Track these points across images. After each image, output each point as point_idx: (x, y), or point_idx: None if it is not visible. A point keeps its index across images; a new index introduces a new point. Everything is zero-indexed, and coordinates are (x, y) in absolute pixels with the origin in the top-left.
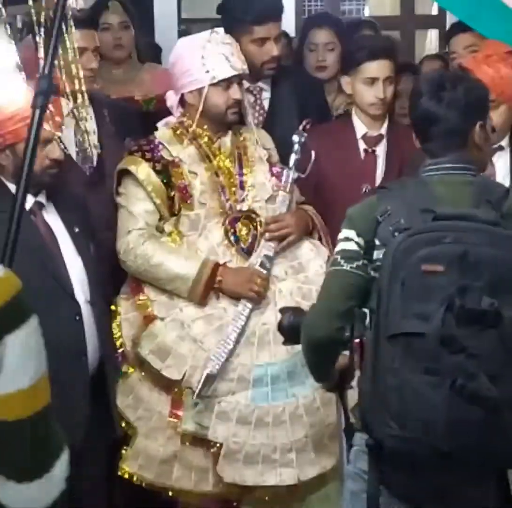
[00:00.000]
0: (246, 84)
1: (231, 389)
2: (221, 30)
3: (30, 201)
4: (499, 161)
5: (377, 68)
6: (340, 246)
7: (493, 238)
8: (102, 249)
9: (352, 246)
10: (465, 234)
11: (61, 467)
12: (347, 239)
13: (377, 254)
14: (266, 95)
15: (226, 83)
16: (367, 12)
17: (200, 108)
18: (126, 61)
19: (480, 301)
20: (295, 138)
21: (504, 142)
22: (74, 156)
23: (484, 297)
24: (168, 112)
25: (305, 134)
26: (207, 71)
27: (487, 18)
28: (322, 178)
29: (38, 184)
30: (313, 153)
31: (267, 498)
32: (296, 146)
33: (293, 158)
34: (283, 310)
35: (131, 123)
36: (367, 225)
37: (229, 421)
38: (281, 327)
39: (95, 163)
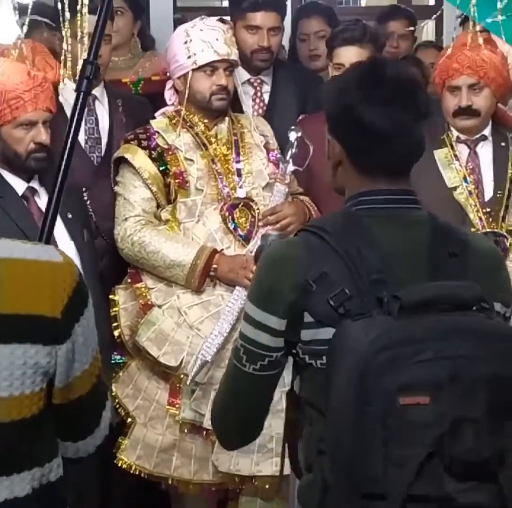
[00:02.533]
0: (246, 76)
1: None
2: (213, 18)
3: (22, 186)
4: (483, 151)
5: (346, 53)
6: (248, 331)
7: (487, 342)
8: (109, 237)
9: (264, 338)
10: (451, 342)
11: (106, 416)
12: (258, 326)
13: (309, 335)
14: (267, 88)
15: (211, 68)
16: (363, 2)
17: (186, 94)
18: (124, 48)
19: (479, 443)
20: (292, 134)
21: (486, 131)
22: (82, 144)
23: (482, 436)
24: (157, 94)
25: (301, 130)
26: (189, 56)
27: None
28: (312, 167)
29: (25, 169)
30: (311, 148)
31: (267, 486)
32: (293, 141)
33: (290, 153)
34: (264, 236)
35: (144, 115)
36: (291, 296)
37: None
38: (256, 252)
39: (103, 152)
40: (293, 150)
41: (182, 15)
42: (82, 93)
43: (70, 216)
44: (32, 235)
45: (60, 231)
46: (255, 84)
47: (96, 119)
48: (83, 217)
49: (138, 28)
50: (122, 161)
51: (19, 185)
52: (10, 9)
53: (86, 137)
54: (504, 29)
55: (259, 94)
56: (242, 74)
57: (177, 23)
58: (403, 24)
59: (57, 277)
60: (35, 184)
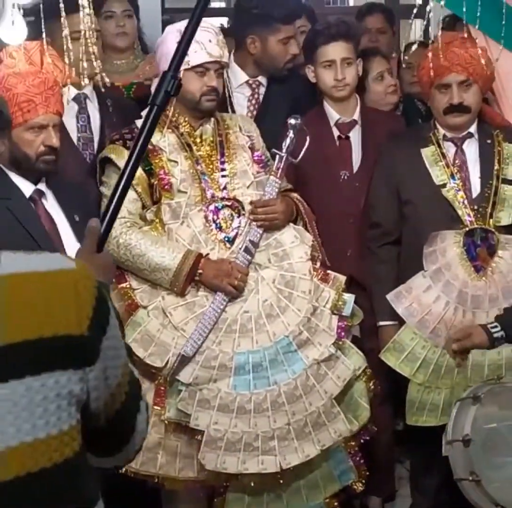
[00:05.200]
0: (245, 77)
1: (212, 376)
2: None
3: (30, 188)
4: (469, 148)
5: (332, 50)
6: None
7: None
8: None
9: None
10: None
11: (141, 419)
12: None
13: None
14: (263, 90)
15: (202, 69)
16: (351, 2)
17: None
18: (130, 50)
19: None
20: (292, 121)
21: (472, 129)
22: (75, 141)
23: None
24: (144, 102)
25: (300, 118)
26: None
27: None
28: (301, 168)
29: (33, 171)
30: (308, 138)
31: (252, 484)
32: (291, 132)
33: (287, 142)
34: None
35: (133, 117)
36: None
37: (210, 408)
38: None
39: (95, 150)
40: (291, 141)
41: (170, 16)
42: (155, 106)
43: (77, 218)
44: (39, 237)
45: (67, 233)
46: (254, 86)
47: (88, 117)
48: (90, 219)
49: (138, 30)
50: (107, 161)
51: (26, 187)
52: (16, 10)
53: (79, 135)
54: (489, 27)
55: (256, 95)
56: (240, 75)
57: (165, 24)
58: (379, 19)
59: (78, 286)
60: (42, 187)
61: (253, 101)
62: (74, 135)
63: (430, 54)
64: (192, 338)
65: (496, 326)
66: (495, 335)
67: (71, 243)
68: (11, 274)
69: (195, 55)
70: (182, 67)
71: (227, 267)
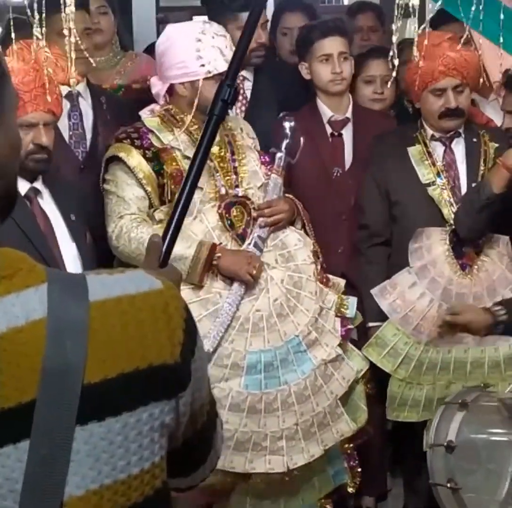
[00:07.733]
0: None
1: (224, 375)
2: (214, 23)
3: (25, 186)
4: (456, 147)
5: (329, 44)
6: None
7: None
8: (96, 234)
9: None
10: None
11: (218, 436)
12: None
13: None
14: (249, 84)
15: (220, 76)
16: (346, 1)
17: (196, 101)
18: (107, 47)
19: None
20: (286, 123)
21: (460, 128)
22: (67, 139)
23: None
24: (138, 101)
25: (293, 119)
26: (203, 65)
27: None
28: (294, 165)
29: (24, 169)
30: (302, 139)
31: (259, 480)
32: (287, 131)
33: (285, 142)
34: None
35: (126, 113)
36: None
37: (221, 408)
38: None
39: (88, 147)
40: (288, 141)
41: (164, 15)
42: (214, 116)
43: (73, 217)
44: (34, 236)
45: (62, 233)
46: (238, 81)
47: (80, 114)
48: (86, 219)
49: (116, 26)
50: (113, 159)
51: (21, 185)
52: None
53: (70, 133)
54: (484, 26)
55: (242, 91)
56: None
57: (159, 22)
58: (370, 17)
59: (169, 309)
60: (38, 185)
61: (240, 97)
62: (66, 133)
63: (423, 57)
64: (211, 333)
65: (501, 309)
66: (500, 318)
67: (66, 243)
68: (102, 300)
69: (216, 63)
70: (203, 75)
71: (247, 254)
